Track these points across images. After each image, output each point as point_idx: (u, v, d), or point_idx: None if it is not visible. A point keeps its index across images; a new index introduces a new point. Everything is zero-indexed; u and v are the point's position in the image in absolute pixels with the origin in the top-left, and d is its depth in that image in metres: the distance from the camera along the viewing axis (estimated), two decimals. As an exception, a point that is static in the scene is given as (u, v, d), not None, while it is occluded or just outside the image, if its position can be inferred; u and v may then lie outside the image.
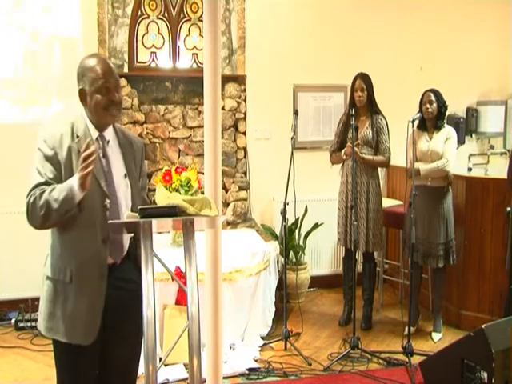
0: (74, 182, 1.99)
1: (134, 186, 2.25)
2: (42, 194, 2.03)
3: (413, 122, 3.79)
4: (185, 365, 3.49)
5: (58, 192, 2.01)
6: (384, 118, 4.24)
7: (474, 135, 5.65)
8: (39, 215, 2.03)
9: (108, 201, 2.13)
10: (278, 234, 4.56)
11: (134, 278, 2.18)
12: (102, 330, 2.14)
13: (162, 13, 5.00)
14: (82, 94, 2.14)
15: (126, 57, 4.88)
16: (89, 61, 2.13)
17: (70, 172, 2.07)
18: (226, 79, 4.87)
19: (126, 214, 2.00)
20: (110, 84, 2.12)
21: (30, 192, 2.05)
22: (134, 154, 2.29)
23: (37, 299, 4.32)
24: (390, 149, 4.24)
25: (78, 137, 2.11)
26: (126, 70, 4.86)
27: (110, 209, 2.13)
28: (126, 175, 2.21)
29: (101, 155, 2.17)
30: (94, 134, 2.16)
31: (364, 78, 4.20)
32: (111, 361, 2.24)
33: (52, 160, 2.08)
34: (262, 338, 4.04)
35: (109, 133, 2.21)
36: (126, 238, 2.22)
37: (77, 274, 2.10)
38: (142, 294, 1.88)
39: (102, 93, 2.10)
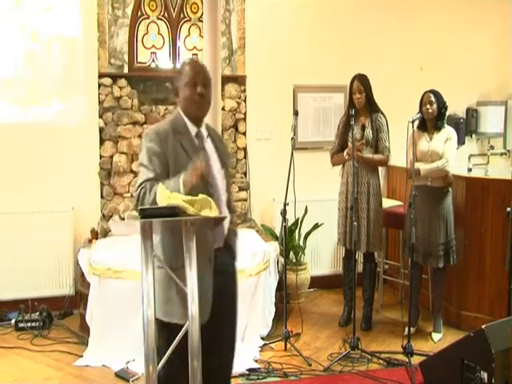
0: (181, 179, 2.18)
1: (228, 177, 2.56)
2: (152, 187, 2.18)
3: (413, 122, 3.78)
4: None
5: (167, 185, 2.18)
6: (384, 115, 4.22)
7: (474, 135, 5.65)
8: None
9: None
10: (277, 235, 4.56)
11: (231, 263, 2.52)
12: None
13: (161, 13, 5.00)
14: (176, 91, 2.43)
15: (125, 57, 4.88)
16: (184, 62, 2.47)
17: (176, 165, 2.28)
18: (225, 79, 4.86)
19: (127, 213, 2.01)
20: (197, 79, 2.38)
21: (140, 185, 2.24)
22: (224, 149, 2.61)
23: (37, 299, 4.37)
24: (390, 147, 4.22)
25: (179, 133, 2.35)
26: (125, 70, 4.86)
27: (213, 198, 2.24)
28: (222, 167, 2.46)
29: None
30: (193, 129, 2.41)
31: (361, 80, 4.16)
32: (211, 348, 2.30)
33: (159, 155, 2.29)
34: (262, 338, 4.03)
35: (204, 130, 2.47)
36: (226, 225, 2.46)
37: None
38: (143, 293, 1.89)
39: (189, 86, 2.37)
